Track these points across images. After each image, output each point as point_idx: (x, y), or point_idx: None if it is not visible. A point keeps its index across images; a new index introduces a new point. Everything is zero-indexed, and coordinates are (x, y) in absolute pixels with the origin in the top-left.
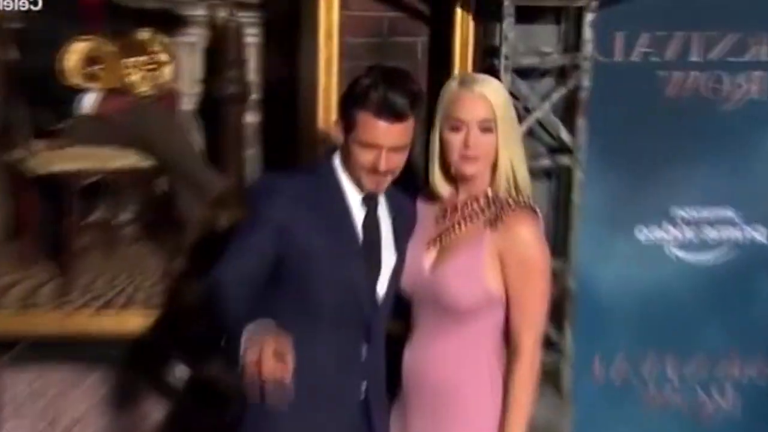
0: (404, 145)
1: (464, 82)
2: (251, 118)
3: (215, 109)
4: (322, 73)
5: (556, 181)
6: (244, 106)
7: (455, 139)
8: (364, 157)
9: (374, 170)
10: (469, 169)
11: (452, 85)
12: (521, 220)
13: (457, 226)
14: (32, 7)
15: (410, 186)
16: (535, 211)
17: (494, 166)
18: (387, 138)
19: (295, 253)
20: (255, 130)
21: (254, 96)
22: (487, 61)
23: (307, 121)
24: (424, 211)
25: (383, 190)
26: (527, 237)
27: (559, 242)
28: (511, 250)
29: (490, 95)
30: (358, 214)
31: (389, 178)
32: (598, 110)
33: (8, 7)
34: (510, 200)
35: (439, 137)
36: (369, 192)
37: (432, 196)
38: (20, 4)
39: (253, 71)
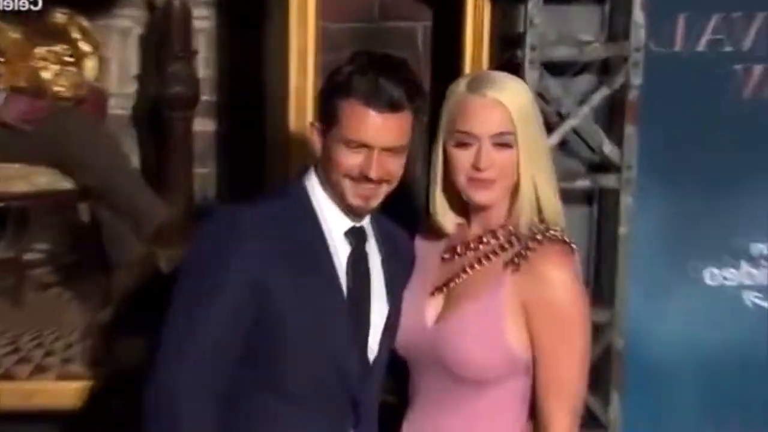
0: (400, 146)
1: (475, 83)
2: (203, 125)
3: (156, 114)
4: (295, 68)
5: (598, 208)
6: (193, 111)
7: (463, 158)
8: (350, 160)
9: (362, 177)
10: (480, 195)
11: (460, 86)
12: (551, 258)
13: (468, 269)
14: (32, 7)
15: (408, 216)
16: (569, 247)
17: (514, 191)
18: (379, 134)
19: (266, 317)
20: (208, 141)
21: (207, 97)
22: (507, 54)
23: (276, 129)
24: (426, 248)
25: (373, 207)
26: (559, 280)
27: (602, 287)
28: (538, 298)
29: (509, 100)
30: (341, 252)
31: (382, 192)
32: (653, 116)
33: (8, 7)
34: (537, 234)
35: (443, 154)
36: (355, 212)
37: (435, 230)
38: (20, 4)
39: (205, 65)
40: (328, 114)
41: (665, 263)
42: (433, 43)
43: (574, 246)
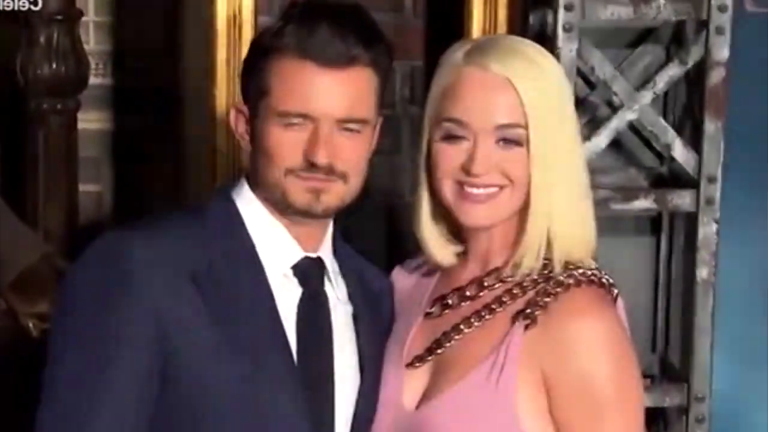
0: (359, 119)
1: (477, 51)
2: (92, 123)
3: (17, 104)
4: (222, 39)
5: (668, 240)
6: (77, 100)
7: (450, 156)
8: (289, 140)
9: (307, 164)
10: (472, 215)
11: (456, 55)
12: (581, 308)
13: (463, 327)
14: (32, 7)
15: (387, 248)
16: (609, 292)
17: (525, 211)
18: (325, 97)
19: (176, 392)
20: (101, 144)
21: (98, 80)
22: (535, 16)
23: (200, 127)
24: (408, 293)
25: (328, 207)
26: (593, 340)
27: (673, 355)
28: (563, 368)
29: (523, 79)
30: (288, 295)
31: (336, 189)
32: (748, 105)
33: (8, 7)
34: (561, 274)
35: (428, 153)
36: (305, 215)
37: (421, 266)
38: (20, 4)
39: (96, 33)
40: (254, 88)
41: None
42: (426, 3)
43: (615, 290)
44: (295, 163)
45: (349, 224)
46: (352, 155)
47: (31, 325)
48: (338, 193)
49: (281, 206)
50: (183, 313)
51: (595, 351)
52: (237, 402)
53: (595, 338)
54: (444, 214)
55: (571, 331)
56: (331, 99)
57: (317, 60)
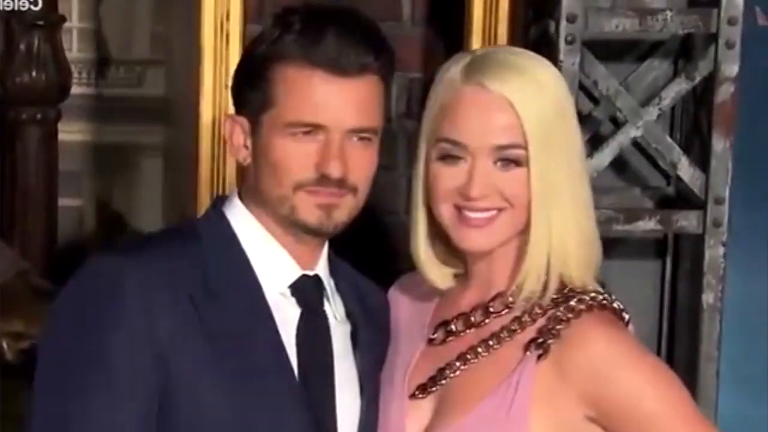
0: (370, 128)
1: (475, 66)
2: (73, 134)
3: None
4: (209, 49)
5: (672, 263)
6: (58, 110)
7: (447, 177)
8: (299, 152)
9: (320, 176)
10: (471, 240)
11: (452, 70)
12: (596, 331)
13: (469, 356)
14: (32, 8)
15: (381, 267)
16: (620, 315)
17: (527, 232)
18: (336, 105)
19: (174, 418)
20: (82, 156)
21: (81, 89)
22: (537, 27)
23: (183, 137)
24: (407, 313)
25: (337, 224)
26: (620, 358)
27: None
28: (603, 394)
29: (523, 99)
30: (287, 315)
31: (347, 203)
32: (758, 123)
33: (8, 7)
34: (571, 299)
35: (425, 173)
36: (314, 232)
37: (419, 284)
38: (20, 4)
39: (79, 41)
40: (255, 99)
41: None
42: (426, 12)
43: (626, 315)
44: (306, 177)
45: (344, 242)
46: (363, 167)
47: (5, 344)
48: (348, 208)
49: (288, 223)
50: (181, 335)
51: (629, 368)
52: (238, 428)
53: (623, 355)
54: (441, 235)
55: (595, 358)
56: (342, 108)
57: (327, 68)
